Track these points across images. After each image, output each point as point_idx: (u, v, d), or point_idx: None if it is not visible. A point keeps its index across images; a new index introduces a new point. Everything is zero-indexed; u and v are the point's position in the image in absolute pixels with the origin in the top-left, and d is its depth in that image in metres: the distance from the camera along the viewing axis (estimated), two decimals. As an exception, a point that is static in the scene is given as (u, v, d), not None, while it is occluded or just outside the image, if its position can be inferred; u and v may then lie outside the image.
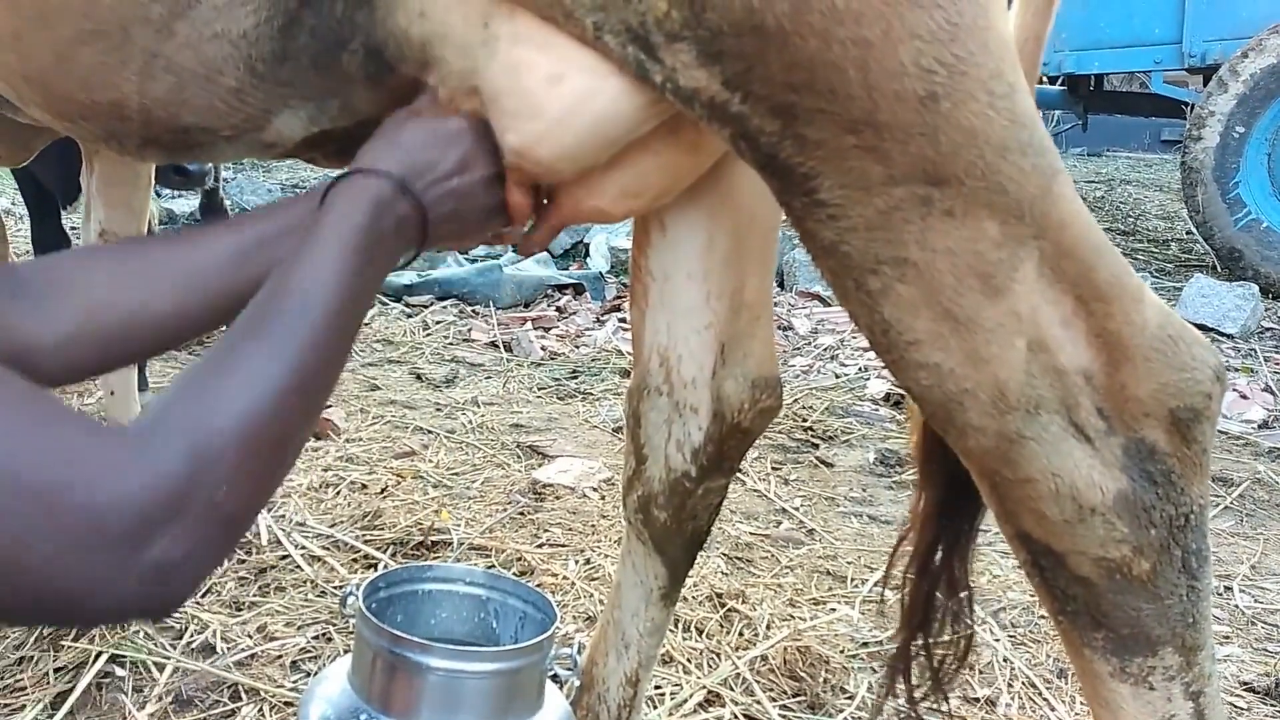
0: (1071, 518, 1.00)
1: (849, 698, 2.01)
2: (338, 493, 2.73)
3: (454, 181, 0.98)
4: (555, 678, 1.39)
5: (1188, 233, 6.18)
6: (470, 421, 3.43)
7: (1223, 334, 4.68)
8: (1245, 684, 2.16)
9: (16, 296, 0.88)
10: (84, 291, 0.91)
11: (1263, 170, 5.04)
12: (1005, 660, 2.15)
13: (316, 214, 0.90)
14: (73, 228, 3.75)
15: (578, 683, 1.34)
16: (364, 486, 2.78)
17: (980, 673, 2.12)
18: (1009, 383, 0.97)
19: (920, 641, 1.32)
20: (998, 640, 2.22)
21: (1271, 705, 2.11)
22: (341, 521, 2.56)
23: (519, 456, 3.16)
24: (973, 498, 1.26)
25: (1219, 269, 5.35)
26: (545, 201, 1.12)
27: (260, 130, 1.12)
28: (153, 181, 2.55)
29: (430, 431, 3.31)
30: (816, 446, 3.42)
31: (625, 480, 1.49)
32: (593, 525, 2.65)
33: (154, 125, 1.10)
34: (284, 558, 2.36)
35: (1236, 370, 4.31)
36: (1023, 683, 2.09)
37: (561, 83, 0.97)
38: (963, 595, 1.32)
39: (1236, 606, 2.50)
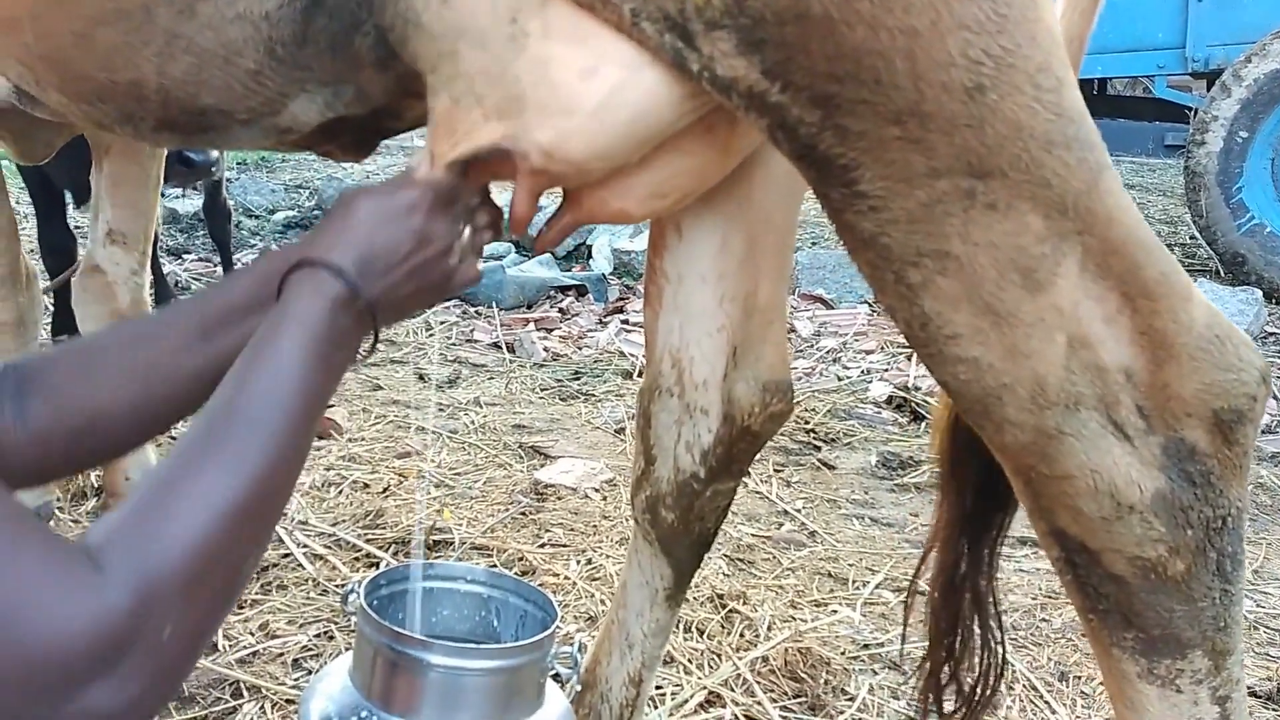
0: (1109, 515, 0.99)
1: (849, 699, 2.01)
2: (340, 492, 2.73)
3: (410, 262, 0.95)
4: (556, 676, 1.39)
5: (1191, 238, 6.17)
6: (472, 422, 3.43)
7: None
8: (1248, 689, 2.15)
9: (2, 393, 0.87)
10: (56, 391, 0.90)
11: (1266, 175, 5.04)
12: (1006, 663, 2.15)
13: (271, 312, 0.88)
14: (77, 226, 3.76)
15: (578, 682, 1.34)
16: (366, 486, 2.78)
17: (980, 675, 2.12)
18: (1048, 378, 0.96)
19: (948, 665, 1.31)
20: (999, 643, 2.21)
21: (1274, 710, 2.11)
22: (343, 520, 2.55)
23: (521, 457, 3.16)
24: (998, 508, 1.24)
25: (1222, 274, 5.34)
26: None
27: (276, 114, 1.12)
28: (160, 182, 2.56)
29: (432, 431, 3.32)
30: (818, 449, 3.42)
31: (634, 480, 1.49)
32: (594, 526, 2.65)
33: (171, 107, 1.10)
34: (286, 556, 2.35)
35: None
36: (1024, 685, 2.09)
37: (595, 76, 0.95)
38: (991, 617, 1.31)
39: (1242, 612, 2.49)
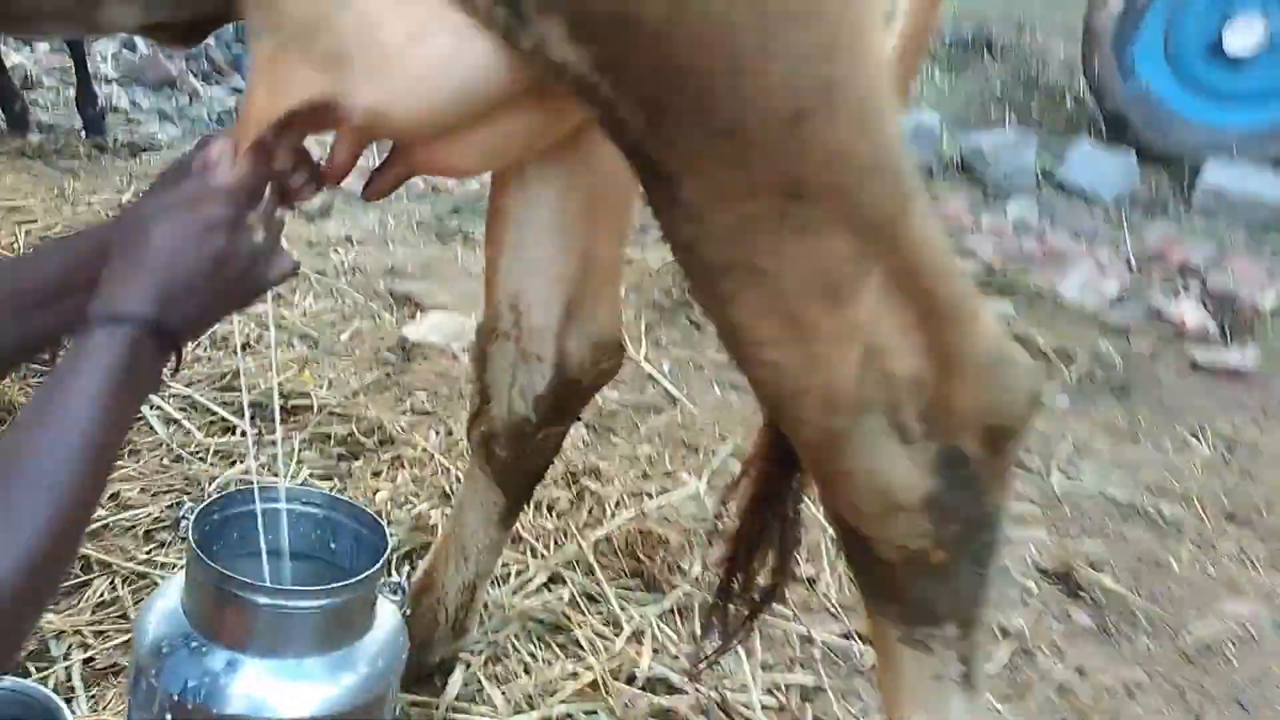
0: (881, 511, 1.08)
1: (684, 576, 2.15)
2: (196, 346, 2.66)
3: (215, 284, 0.92)
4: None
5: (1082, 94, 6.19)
6: (343, 263, 3.36)
7: (1099, 200, 4.83)
8: (1040, 569, 2.36)
9: None
10: None
11: (1158, 42, 5.06)
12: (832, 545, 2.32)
13: (66, 359, 0.87)
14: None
15: (406, 606, 1.41)
16: (225, 339, 2.69)
17: (808, 552, 2.28)
18: (841, 386, 1.02)
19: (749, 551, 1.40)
20: (827, 531, 2.37)
21: (1058, 587, 2.32)
22: (199, 380, 2.52)
23: (390, 307, 3.13)
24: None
25: (1105, 134, 5.44)
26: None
27: (94, 12, 1.06)
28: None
29: (299, 273, 3.23)
30: (690, 306, 3.46)
31: (469, 416, 1.52)
32: (459, 391, 2.67)
33: None
34: (137, 419, 2.33)
35: (1104, 242, 4.48)
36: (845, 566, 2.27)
37: (422, 41, 0.92)
38: (789, 542, 1.41)
39: (1051, 488, 2.66)
